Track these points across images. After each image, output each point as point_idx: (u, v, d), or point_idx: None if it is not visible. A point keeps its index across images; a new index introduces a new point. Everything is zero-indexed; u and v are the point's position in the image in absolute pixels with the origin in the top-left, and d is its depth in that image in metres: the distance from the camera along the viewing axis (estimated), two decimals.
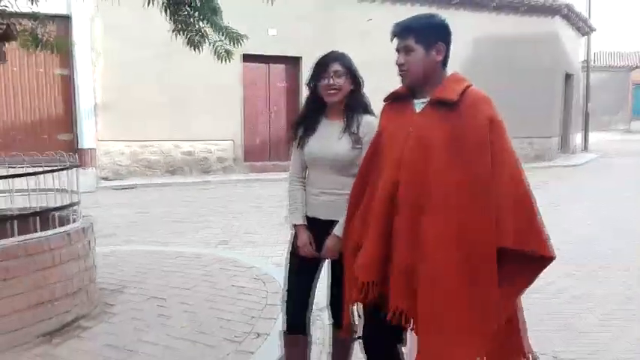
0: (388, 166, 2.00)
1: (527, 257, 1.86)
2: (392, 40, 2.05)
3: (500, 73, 13.84)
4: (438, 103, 1.95)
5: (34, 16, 3.59)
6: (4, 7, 3.06)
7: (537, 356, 2.03)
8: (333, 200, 2.40)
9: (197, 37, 3.52)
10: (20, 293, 2.95)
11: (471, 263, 1.82)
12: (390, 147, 2.02)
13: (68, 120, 11.18)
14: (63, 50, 3.74)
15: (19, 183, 3.35)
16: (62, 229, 3.20)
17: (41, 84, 10.91)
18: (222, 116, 12.02)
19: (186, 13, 3.38)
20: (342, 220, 2.29)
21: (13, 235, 2.95)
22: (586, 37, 19.13)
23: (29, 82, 10.76)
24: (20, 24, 3.40)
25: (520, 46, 14.21)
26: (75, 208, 3.39)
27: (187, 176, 11.94)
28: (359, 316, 2.20)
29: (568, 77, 17.03)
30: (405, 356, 2.12)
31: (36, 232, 3.09)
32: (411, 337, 2.04)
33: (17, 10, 3.32)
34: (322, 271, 2.54)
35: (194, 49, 3.60)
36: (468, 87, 1.96)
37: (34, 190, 3.30)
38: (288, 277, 2.53)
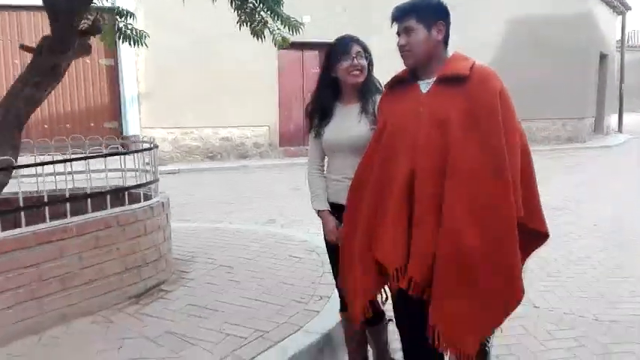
0: (403, 149, 1.98)
1: (523, 230, 1.91)
2: (392, 24, 2.07)
3: (534, 53, 13.83)
4: (446, 80, 1.96)
5: (116, 11, 3.97)
6: (94, 3, 3.41)
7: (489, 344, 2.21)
8: None
9: (259, 27, 3.82)
10: (113, 259, 3.35)
11: (494, 232, 1.84)
12: (402, 130, 2.01)
13: (113, 108, 11.69)
14: (141, 42, 4.08)
15: (94, 164, 3.73)
16: (146, 203, 3.59)
17: (87, 74, 11.42)
18: (259, 103, 12.37)
19: (251, 5, 3.68)
20: None
21: (105, 208, 3.33)
22: (621, 16, 18.80)
23: (76, 73, 11.27)
24: (104, 18, 3.76)
25: (554, 27, 14.11)
26: (155, 185, 3.77)
27: (225, 161, 12.36)
28: (382, 302, 2.26)
29: (602, 57, 16.85)
30: None
31: (124, 205, 3.47)
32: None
33: (100, 4, 3.68)
34: None
35: (257, 38, 3.91)
36: (474, 63, 1.99)
37: (117, 170, 3.69)
38: (332, 262, 2.60)
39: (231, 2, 3.74)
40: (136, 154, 3.82)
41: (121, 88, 11.49)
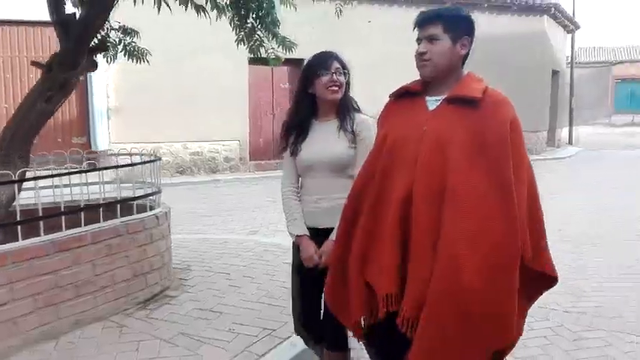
0: (401, 168, 1.84)
1: (530, 274, 1.79)
2: (414, 28, 1.91)
3: (492, 69, 14.29)
4: (457, 101, 1.83)
5: (122, 29, 4.15)
6: (114, 22, 3.60)
7: None
8: (333, 206, 2.26)
9: (256, 45, 4.07)
10: (123, 266, 3.51)
11: (493, 273, 1.68)
12: (402, 147, 1.86)
13: (82, 123, 11.61)
14: (144, 59, 4.27)
15: (92, 176, 3.88)
16: (152, 212, 3.77)
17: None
18: (229, 118, 12.53)
19: (250, 25, 3.93)
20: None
21: (116, 218, 3.49)
22: (571, 34, 19.92)
23: (29, 86, 11.21)
24: (109, 36, 3.94)
25: (511, 44, 14.91)
26: (158, 196, 3.95)
27: (196, 176, 12.44)
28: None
29: (555, 74, 17.80)
30: None
31: (132, 214, 3.64)
32: None
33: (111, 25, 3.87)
34: None
35: (254, 56, 4.17)
36: (487, 87, 1.87)
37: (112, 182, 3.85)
38: (298, 302, 2.46)
39: (231, 22, 3.98)
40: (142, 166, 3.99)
41: (90, 103, 11.44)
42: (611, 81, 34.02)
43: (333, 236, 2.16)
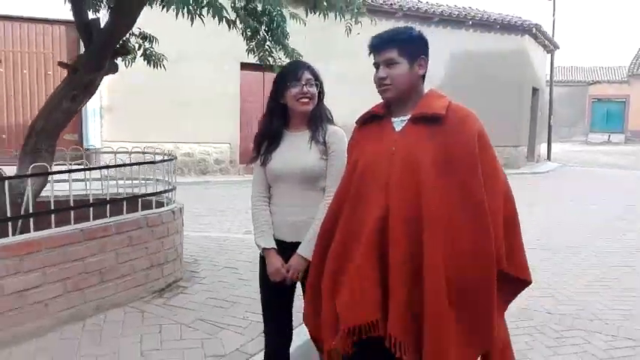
0: (374, 191, 1.83)
1: (505, 278, 1.83)
2: (370, 54, 1.94)
3: (475, 86, 15.04)
4: (421, 120, 1.85)
5: (141, 35, 4.40)
6: (141, 31, 3.84)
7: None
8: (301, 219, 2.24)
9: (265, 55, 4.35)
10: (142, 257, 3.73)
11: (471, 284, 1.73)
12: (373, 171, 1.86)
13: (74, 120, 11.65)
14: (161, 64, 4.52)
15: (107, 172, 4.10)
16: (169, 207, 4.00)
17: (49, 86, 11.44)
18: (221, 121, 12.76)
19: (261, 36, 4.21)
20: (308, 237, 2.17)
21: (137, 211, 3.72)
22: (550, 54, 20.64)
23: (38, 84, 11.30)
24: (129, 41, 4.18)
25: (493, 62, 15.50)
26: (173, 193, 4.19)
27: (186, 176, 12.60)
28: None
29: (535, 91, 18.44)
30: None
31: (151, 209, 3.88)
32: None
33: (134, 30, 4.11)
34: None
35: (264, 65, 4.44)
36: (450, 102, 1.89)
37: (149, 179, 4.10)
38: (265, 315, 2.44)
39: (243, 33, 4.25)
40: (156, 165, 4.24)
41: None
42: (588, 100, 35.06)
43: (300, 251, 2.19)
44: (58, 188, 3.60)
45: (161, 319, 3.43)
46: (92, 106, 11.59)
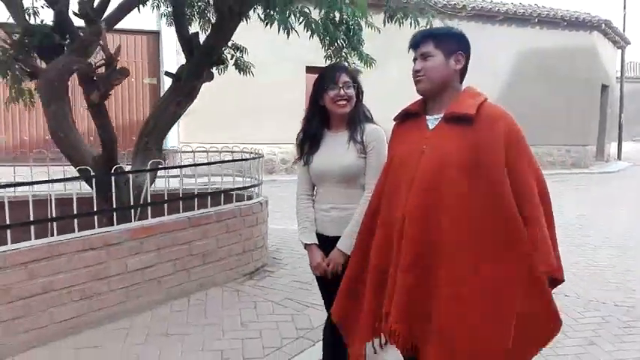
0: (404, 188, 1.86)
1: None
2: (409, 50, 1.98)
3: (542, 83, 14.88)
4: (453, 119, 1.83)
5: (233, 46, 4.94)
6: (234, 43, 4.36)
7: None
8: (342, 216, 2.32)
9: (342, 61, 4.74)
10: (237, 242, 4.22)
11: (493, 301, 1.71)
12: (405, 167, 1.88)
13: None
14: (249, 71, 5.04)
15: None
16: (257, 199, 4.49)
17: (132, 92, 12.37)
18: (286, 122, 13.24)
19: (339, 44, 4.61)
20: (347, 232, 2.25)
21: (231, 203, 4.22)
22: (621, 50, 19.94)
23: (122, 91, 12.24)
24: (224, 52, 4.71)
25: (560, 59, 15.21)
26: (260, 187, 4.68)
27: None
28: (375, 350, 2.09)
29: (604, 88, 17.90)
30: None
31: (242, 201, 4.37)
32: None
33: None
34: None
35: None
36: (484, 101, 1.84)
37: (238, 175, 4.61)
38: (323, 297, 2.54)
39: (322, 40, 4.65)
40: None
41: None
42: None
43: (339, 245, 2.27)
44: (160, 182, 4.15)
45: (254, 297, 3.89)
46: None
